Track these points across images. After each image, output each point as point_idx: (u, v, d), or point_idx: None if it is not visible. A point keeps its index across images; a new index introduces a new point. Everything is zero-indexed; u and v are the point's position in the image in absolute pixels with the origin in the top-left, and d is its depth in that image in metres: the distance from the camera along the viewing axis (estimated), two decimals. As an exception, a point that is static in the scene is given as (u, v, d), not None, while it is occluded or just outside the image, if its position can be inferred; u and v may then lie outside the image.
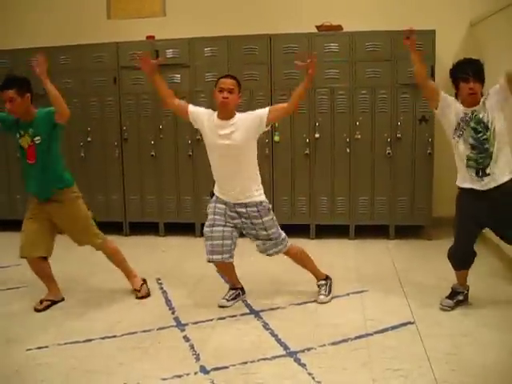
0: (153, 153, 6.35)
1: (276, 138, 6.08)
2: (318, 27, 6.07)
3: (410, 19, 5.93)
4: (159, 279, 4.89)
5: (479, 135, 3.78)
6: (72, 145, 6.43)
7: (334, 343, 3.53)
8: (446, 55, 6.15)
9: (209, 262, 4.13)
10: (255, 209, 4.04)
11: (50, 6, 7.07)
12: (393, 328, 3.74)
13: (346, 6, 6.39)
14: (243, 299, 4.33)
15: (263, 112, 3.97)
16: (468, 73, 3.75)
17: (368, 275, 4.88)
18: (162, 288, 4.68)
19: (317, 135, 6.02)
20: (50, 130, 4.22)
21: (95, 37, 6.48)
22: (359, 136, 5.95)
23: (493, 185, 3.79)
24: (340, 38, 5.92)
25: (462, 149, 3.86)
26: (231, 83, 3.96)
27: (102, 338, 3.71)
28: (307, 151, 6.06)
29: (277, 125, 6.03)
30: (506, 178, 3.79)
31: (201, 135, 4.21)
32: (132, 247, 6.06)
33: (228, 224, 4.08)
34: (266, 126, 4.00)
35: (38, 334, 3.80)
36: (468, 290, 4.13)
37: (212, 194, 4.21)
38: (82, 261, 4.69)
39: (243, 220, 4.08)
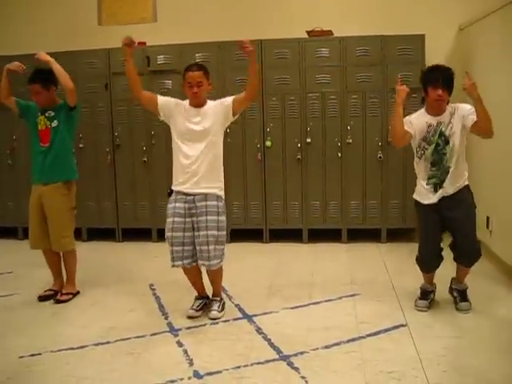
0: (145, 159, 6.36)
1: (268, 143, 6.10)
2: (308, 32, 6.11)
3: (399, 24, 6.02)
4: (152, 285, 4.89)
5: (439, 149, 3.92)
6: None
7: (326, 346, 3.54)
8: (436, 59, 6.15)
9: (172, 267, 4.11)
10: (215, 203, 3.98)
11: (42, 13, 7.09)
12: (385, 331, 3.76)
13: (336, 12, 6.43)
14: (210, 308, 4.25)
15: (228, 102, 4.05)
16: (438, 79, 3.84)
17: (360, 279, 4.89)
18: (154, 294, 4.68)
19: (308, 140, 6.04)
20: (67, 116, 4.53)
21: (87, 43, 6.49)
22: (350, 140, 5.98)
23: (443, 195, 3.97)
24: (331, 43, 5.96)
25: (423, 167, 4.03)
26: (198, 76, 4.00)
27: (96, 345, 3.70)
28: (299, 156, 6.08)
29: (268, 130, 6.06)
30: (455, 190, 3.98)
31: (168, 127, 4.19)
32: (125, 253, 6.08)
33: (187, 226, 4.00)
34: (233, 116, 4.09)
35: (31, 341, 3.79)
36: (436, 288, 4.26)
37: (170, 193, 4.14)
38: (77, 267, 4.70)
39: (199, 219, 3.96)
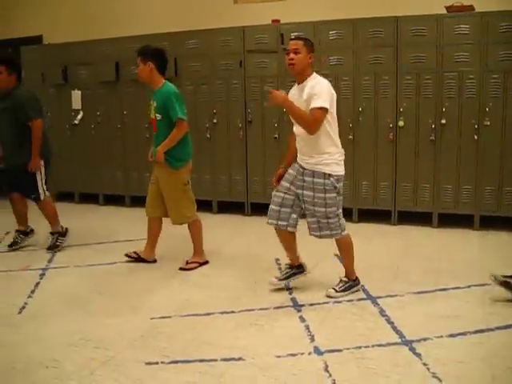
0: (276, 135, 6.44)
1: (400, 123, 5.95)
2: (447, 8, 5.84)
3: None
4: (278, 259, 4.97)
5: None
6: (199, 126, 6.70)
7: (451, 335, 3.44)
8: None
9: (267, 223, 4.19)
10: (322, 180, 3.92)
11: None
12: (517, 324, 3.58)
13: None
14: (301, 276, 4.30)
15: (312, 101, 3.79)
16: None
17: (492, 268, 4.63)
18: (280, 268, 4.76)
19: (443, 121, 5.81)
20: (167, 111, 4.58)
21: (222, 21, 6.66)
22: (488, 123, 5.66)
23: None
24: (471, 18, 5.64)
25: None
26: (296, 43, 3.92)
27: (221, 313, 3.87)
28: (432, 137, 5.88)
29: (401, 109, 5.91)
30: None
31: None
32: (252, 227, 6.24)
33: (290, 192, 4.06)
34: None
35: (162, 304, 4.04)
36: None
37: None
38: (206, 238, 4.89)
39: (305, 192, 3.99)
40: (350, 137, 6.08)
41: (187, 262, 4.84)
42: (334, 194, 3.97)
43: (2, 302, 4.14)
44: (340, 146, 4.04)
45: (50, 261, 5.11)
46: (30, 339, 3.51)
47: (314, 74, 3.98)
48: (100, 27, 7.56)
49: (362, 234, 5.79)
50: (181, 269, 4.78)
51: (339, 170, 3.99)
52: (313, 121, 3.81)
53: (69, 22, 8.04)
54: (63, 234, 5.48)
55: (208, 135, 6.72)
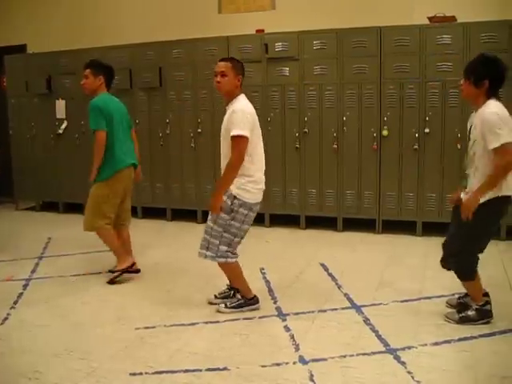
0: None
1: (384, 133, 5.99)
2: (430, 18, 5.90)
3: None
4: (263, 269, 4.97)
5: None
6: (184, 134, 6.69)
7: (436, 343, 3.45)
8: None
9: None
10: (225, 198, 3.82)
11: (164, 2, 7.40)
12: (501, 333, 3.58)
13: (461, -4, 6.15)
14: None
15: (232, 130, 3.75)
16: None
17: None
18: (265, 277, 4.76)
19: (426, 130, 5.86)
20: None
21: (207, 31, 6.68)
22: (471, 131, 5.72)
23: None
24: (453, 29, 5.71)
25: None
26: (223, 66, 3.87)
27: (206, 323, 3.85)
28: (416, 146, 5.92)
29: (385, 119, 5.95)
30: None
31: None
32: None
33: None
34: None
35: (147, 314, 4.01)
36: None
37: None
38: (186, 248, 4.86)
39: None
40: (335, 146, 6.10)
41: (112, 272, 4.77)
42: (228, 217, 3.85)
43: (-16, 314, 4.10)
44: (257, 175, 3.90)
45: (33, 271, 5.07)
46: (13, 350, 3.47)
47: (241, 95, 3.90)
48: (85, 37, 7.54)
49: (346, 243, 5.82)
50: (109, 282, 4.70)
51: (246, 196, 3.84)
52: (237, 154, 3.74)
53: (53, 32, 8.02)
54: None
55: (192, 145, 6.72)
